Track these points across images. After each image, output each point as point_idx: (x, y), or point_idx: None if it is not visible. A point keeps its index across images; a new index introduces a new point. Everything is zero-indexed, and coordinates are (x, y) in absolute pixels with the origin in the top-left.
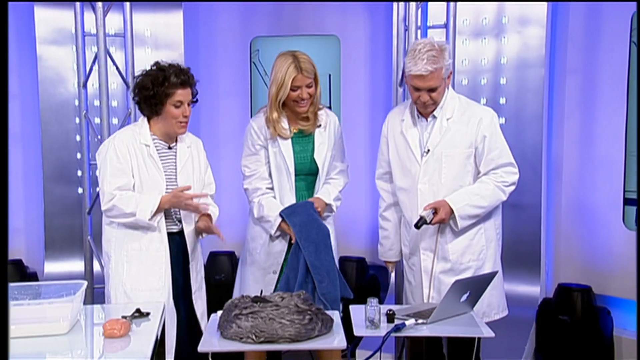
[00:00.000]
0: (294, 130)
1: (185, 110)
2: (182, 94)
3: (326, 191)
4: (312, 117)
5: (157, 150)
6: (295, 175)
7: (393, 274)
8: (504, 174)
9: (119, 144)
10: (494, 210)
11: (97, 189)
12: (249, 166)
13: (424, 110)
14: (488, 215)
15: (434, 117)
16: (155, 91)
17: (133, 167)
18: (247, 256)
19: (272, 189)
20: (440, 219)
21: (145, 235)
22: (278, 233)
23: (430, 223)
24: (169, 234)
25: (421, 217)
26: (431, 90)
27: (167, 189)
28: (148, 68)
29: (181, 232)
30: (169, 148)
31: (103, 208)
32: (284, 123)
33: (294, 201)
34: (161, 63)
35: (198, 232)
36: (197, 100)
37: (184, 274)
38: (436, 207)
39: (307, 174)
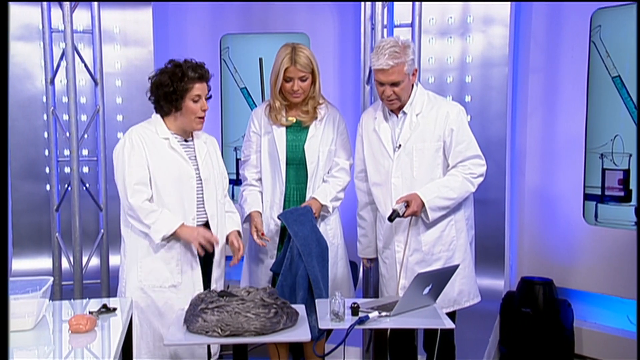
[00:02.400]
0: (292, 120)
1: (203, 105)
2: (199, 88)
3: (323, 191)
4: (312, 110)
5: (178, 142)
6: (287, 164)
7: (361, 270)
8: (471, 165)
9: (135, 138)
10: (464, 202)
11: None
12: (244, 151)
13: (390, 106)
14: (458, 207)
15: (404, 113)
16: (175, 87)
17: (150, 162)
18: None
19: (259, 179)
20: (413, 212)
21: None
22: (245, 225)
23: (402, 216)
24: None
25: (394, 211)
26: (394, 84)
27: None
28: (163, 67)
29: (206, 225)
30: (185, 141)
31: (127, 202)
32: (283, 112)
33: (282, 189)
34: (176, 60)
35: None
36: (211, 96)
37: (204, 269)
38: (408, 200)
39: (298, 164)
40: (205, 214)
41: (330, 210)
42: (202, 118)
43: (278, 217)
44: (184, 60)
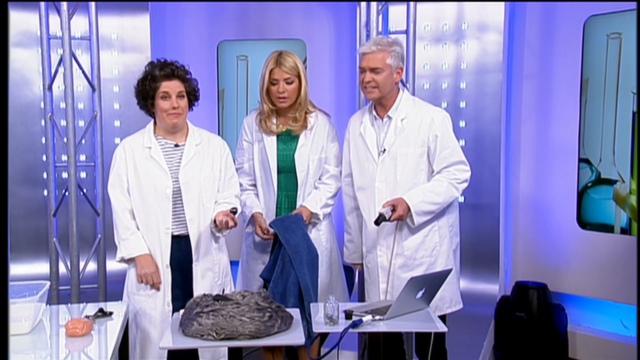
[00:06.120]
0: (282, 129)
1: (174, 102)
2: (167, 86)
3: (314, 198)
4: (301, 118)
5: (162, 149)
6: (278, 172)
7: (357, 274)
8: (456, 171)
9: (120, 152)
10: (448, 209)
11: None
12: (237, 159)
13: (368, 95)
14: (441, 213)
15: (389, 117)
16: (144, 87)
17: (129, 171)
18: (244, 246)
19: (254, 185)
20: (399, 216)
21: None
22: (250, 229)
23: (389, 220)
24: (174, 237)
25: (380, 214)
26: (373, 71)
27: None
28: None
29: (187, 236)
30: (176, 146)
31: (112, 203)
32: (273, 119)
33: (274, 196)
34: (154, 61)
35: (218, 228)
36: (198, 97)
37: (183, 279)
38: (394, 204)
39: (288, 172)
40: (185, 219)
41: (321, 217)
42: (174, 113)
43: (269, 225)
44: (157, 59)
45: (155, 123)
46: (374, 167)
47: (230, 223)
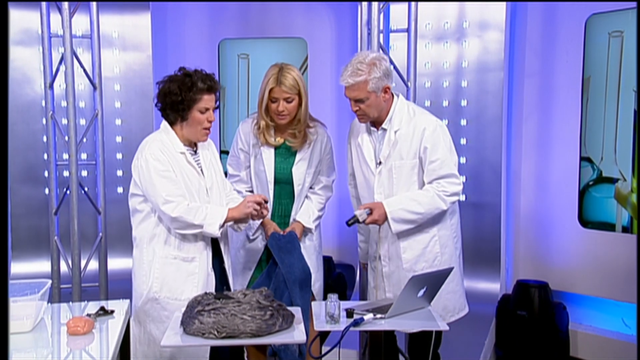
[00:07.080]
0: (280, 141)
1: (210, 116)
2: (208, 100)
3: (306, 212)
4: (300, 135)
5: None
6: (275, 183)
7: (358, 273)
8: (446, 184)
9: (156, 153)
10: (449, 216)
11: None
12: (232, 165)
13: (360, 120)
14: (442, 221)
15: (384, 129)
16: (183, 96)
17: (177, 175)
18: (241, 251)
19: (251, 192)
20: (373, 220)
21: (184, 244)
22: (256, 235)
23: (363, 222)
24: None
25: (354, 216)
26: (358, 101)
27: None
28: (172, 74)
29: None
30: (194, 152)
31: (173, 215)
32: (272, 132)
33: (270, 206)
34: (187, 69)
35: (239, 224)
36: (218, 106)
37: (220, 278)
38: (371, 207)
39: (284, 183)
40: None
41: (313, 230)
42: (208, 129)
43: (266, 245)
44: (195, 69)
45: (171, 127)
46: (372, 179)
47: (265, 212)
